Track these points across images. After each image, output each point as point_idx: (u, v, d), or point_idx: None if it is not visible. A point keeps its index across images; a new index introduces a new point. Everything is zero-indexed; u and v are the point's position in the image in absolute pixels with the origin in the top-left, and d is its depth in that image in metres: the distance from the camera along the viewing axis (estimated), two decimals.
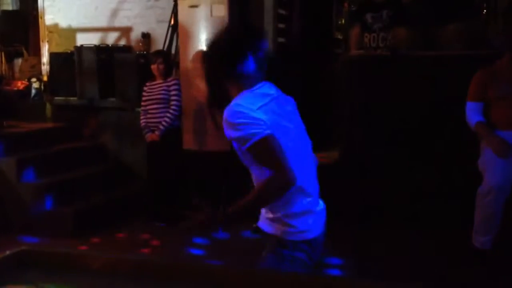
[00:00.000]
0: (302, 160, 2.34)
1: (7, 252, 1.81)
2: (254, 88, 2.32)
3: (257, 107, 2.23)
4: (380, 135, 5.47)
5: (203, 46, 6.33)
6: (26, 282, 1.70)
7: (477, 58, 4.88)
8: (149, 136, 5.79)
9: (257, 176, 2.30)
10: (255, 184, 2.35)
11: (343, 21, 6.71)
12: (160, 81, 5.85)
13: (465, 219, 4.53)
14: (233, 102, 2.26)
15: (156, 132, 5.74)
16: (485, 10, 6.33)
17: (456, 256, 4.55)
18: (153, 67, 5.84)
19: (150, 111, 5.83)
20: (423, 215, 5.23)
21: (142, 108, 5.91)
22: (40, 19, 7.45)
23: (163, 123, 5.72)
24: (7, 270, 1.78)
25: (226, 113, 2.23)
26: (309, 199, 2.36)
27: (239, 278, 1.77)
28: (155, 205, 5.87)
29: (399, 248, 4.86)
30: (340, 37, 6.95)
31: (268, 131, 2.18)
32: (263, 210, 2.40)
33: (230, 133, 2.23)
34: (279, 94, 2.40)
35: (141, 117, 5.90)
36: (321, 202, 2.47)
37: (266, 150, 2.18)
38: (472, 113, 4.32)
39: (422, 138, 5.39)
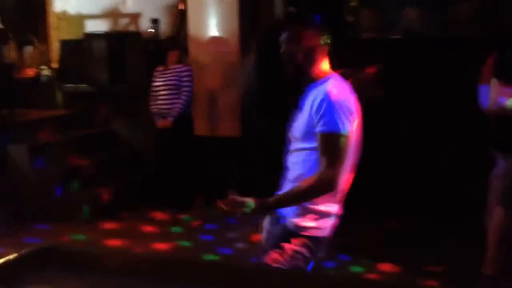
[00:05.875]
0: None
1: (28, 249, 1.81)
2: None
3: (350, 103, 2.31)
4: (391, 118, 5.43)
5: (213, 32, 6.28)
6: (46, 281, 1.70)
7: (491, 40, 4.81)
8: (161, 122, 5.77)
9: (303, 171, 2.33)
10: (290, 178, 2.39)
11: (355, 3, 6.65)
12: (173, 67, 5.81)
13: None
14: (337, 88, 2.31)
15: (169, 118, 5.71)
16: None
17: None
18: (172, 53, 5.81)
19: (161, 97, 5.79)
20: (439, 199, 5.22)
21: (153, 93, 5.87)
22: (49, 7, 7.41)
23: (176, 109, 5.70)
24: (27, 268, 1.77)
25: (333, 95, 2.26)
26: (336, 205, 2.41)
27: (259, 275, 1.76)
28: (167, 190, 5.88)
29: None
30: (351, 19, 6.89)
31: (349, 131, 2.26)
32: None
33: (323, 112, 2.24)
34: None
35: (151, 103, 5.87)
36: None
37: (338, 145, 2.23)
38: (486, 96, 4.26)
39: (434, 120, 5.34)
